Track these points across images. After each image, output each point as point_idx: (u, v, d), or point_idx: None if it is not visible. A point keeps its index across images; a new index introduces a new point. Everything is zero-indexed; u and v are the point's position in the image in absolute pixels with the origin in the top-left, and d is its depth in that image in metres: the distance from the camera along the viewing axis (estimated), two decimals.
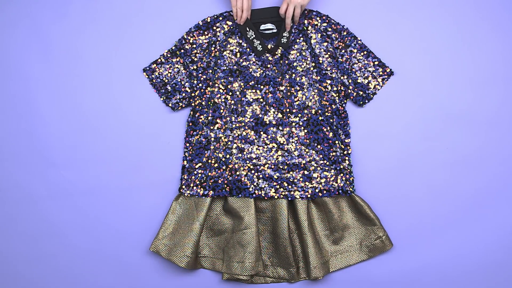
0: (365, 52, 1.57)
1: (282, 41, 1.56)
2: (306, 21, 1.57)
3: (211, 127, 1.56)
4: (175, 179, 1.58)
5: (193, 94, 1.57)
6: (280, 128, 1.55)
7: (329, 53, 1.56)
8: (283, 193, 1.52)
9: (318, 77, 1.56)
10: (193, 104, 1.58)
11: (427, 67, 1.58)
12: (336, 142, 1.54)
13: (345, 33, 1.57)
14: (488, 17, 1.58)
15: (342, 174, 1.54)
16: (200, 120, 1.57)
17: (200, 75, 1.57)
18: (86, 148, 1.59)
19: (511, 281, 1.54)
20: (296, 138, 1.55)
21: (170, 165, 1.58)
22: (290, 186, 1.53)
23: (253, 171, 1.54)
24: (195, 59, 1.57)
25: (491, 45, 1.58)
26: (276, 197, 1.52)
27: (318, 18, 1.57)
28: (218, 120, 1.56)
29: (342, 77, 1.57)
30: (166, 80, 1.58)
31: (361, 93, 1.57)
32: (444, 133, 1.57)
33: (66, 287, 1.58)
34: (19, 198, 1.59)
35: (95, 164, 1.59)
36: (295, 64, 1.56)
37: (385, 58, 1.58)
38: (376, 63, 1.57)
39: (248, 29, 1.56)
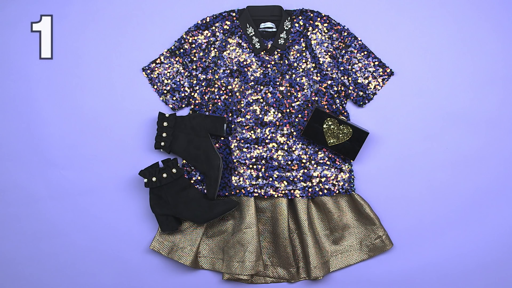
0: (365, 52, 1.56)
1: (280, 42, 1.56)
2: (306, 22, 1.57)
3: None
4: None
5: (192, 94, 1.57)
6: (280, 128, 1.55)
7: (329, 54, 1.56)
8: (283, 192, 1.53)
9: (318, 78, 1.56)
10: (192, 104, 1.58)
11: (427, 67, 1.58)
12: None
13: (345, 34, 1.56)
14: (488, 17, 1.58)
15: (342, 173, 1.55)
16: None
17: (200, 75, 1.57)
18: (86, 148, 1.59)
19: (511, 281, 1.54)
20: (296, 138, 1.55)
21: None
22: (290, 185, 1.53)
23: (253, 170, 1.54)
24: (195, 59, 1.57)
25: (491, 45, 1.58)
26: (276, 196, 1.53)
27: (318, 19, 1.57)
28: None
29: (342, 77, 1.57)
30: (166, 80, 1.58)
31: (361, 93, 1.56)
32: (444, 133, 1.57)
33: (66, 287, 1.58)
34: (19, 198, 1.59)
35: (95, 164, 1.59)
36: (295, 64, 1.56)
37: (385, 58, 1.58)
38: (376, 63, 1.57)
39: (248, 26, 1.56)
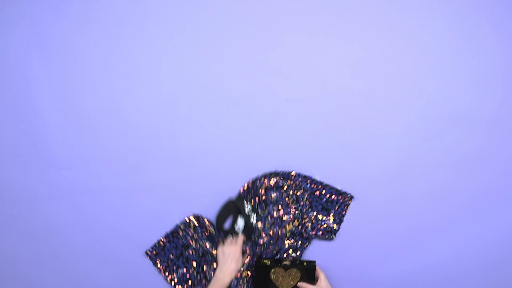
0: (320, 186, 1.56)
1: (251, 223, 1.54)
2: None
3: None
4: (176, 179, 1.58)
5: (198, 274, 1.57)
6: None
7: (291, 200, 1.55)
8: None
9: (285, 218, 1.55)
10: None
11: (427, 67, 1.58)
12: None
13: (298, 178, 1.56)
14: (488, 17, 1.58)
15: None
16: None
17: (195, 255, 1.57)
18: (86, 148, 1.59)
19: (511, 281, 1.55)
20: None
21: (170, 165, 1.58)
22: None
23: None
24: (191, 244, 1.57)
25: (491, 45, 1.58)
26: None
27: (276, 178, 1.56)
28: None
29: (305, 218, 1.56)
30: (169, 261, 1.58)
31: (325, 226, 1.56)
32: (444, 133, 1.57)
33: (66, 287, 1.59)
34: (19, 198, 1.59)
35: (95, 164, 1.59)
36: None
37: (385, 58, 1.58)
38: (333, 194, 1.56)
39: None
